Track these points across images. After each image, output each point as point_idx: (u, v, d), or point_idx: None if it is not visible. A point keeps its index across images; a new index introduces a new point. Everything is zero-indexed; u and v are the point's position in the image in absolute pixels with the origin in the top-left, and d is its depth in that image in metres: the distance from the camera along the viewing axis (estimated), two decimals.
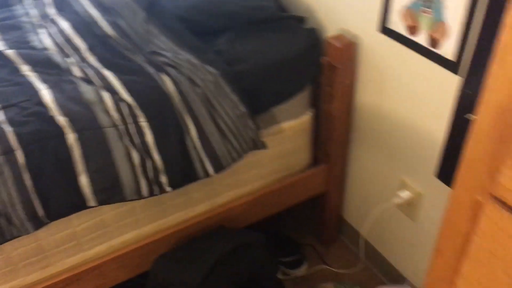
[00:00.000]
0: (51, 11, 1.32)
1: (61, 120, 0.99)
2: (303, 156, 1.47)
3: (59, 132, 0.98)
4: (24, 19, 1.32)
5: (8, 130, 0.95)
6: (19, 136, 0.95)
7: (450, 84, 1.05)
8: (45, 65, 1.12)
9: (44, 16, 1.31)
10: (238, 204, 1.36)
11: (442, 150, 1.13)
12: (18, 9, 1.37)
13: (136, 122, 1.06)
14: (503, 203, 0.47)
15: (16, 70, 1.12)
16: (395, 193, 1.34)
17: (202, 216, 1.31)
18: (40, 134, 0.97)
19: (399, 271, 1.49)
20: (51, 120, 0.98)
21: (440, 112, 1.10)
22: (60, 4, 1.34)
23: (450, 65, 1.03)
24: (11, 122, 0.97)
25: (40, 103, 1.01)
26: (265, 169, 1.40)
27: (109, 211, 1.15)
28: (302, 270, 1.61)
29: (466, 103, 1.02)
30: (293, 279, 1.59)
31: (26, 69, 1.11)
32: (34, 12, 1.35)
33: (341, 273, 1.61)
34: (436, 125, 1.13)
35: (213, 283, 1.09)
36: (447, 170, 1.14)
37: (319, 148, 1.50)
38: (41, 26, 1.28)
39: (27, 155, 0.96)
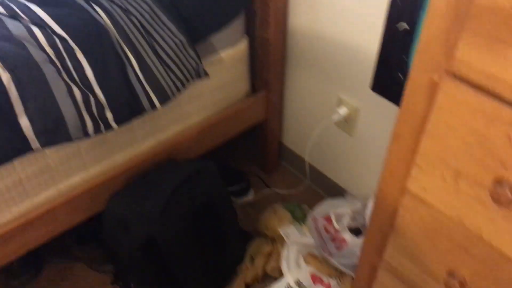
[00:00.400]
0: None
1: None
2: (242, 85, 1.49)
3: None
4: None
5: None
6: None
7: None
8: None
9: None
10: (183, 138, 1.36)
11: (376, 62, 1.20)
12: None
13: (73, 57, 1.01)
14: (458, 77, 0.52)
15: None
16: (332, 111, 1.41)
17: (149, 152, 1.30)
18: None
19: (340, 186, 1.59)
20: None
21: (372, 25, 1.16)
22: None
23: None
24: None
25: None
26: (206, 101, 1.40)
27: (53, 154, 1.11)
28: (249, 197, 1.67)
29: (396, 12, 1.08)
30: (241, 206, 1.65)
31: None
32: None
33: (286, 195, 1.69)
34: (369, 38, 1.18)
35: (172, 211, 1.11)
36: (381, 82, 1.22)
37: (257, 76, 1.52)
38: None
39: None
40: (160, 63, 1.13)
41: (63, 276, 1.42)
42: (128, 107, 1.11)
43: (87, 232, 1.38)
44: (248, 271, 1.37)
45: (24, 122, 0.98)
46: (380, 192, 0.74)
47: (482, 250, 0.62)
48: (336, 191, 1.60)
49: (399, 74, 1.14)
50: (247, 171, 1.73)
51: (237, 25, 1.36)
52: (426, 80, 0.56)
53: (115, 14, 1.06)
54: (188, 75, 1.19)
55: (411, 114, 0.61)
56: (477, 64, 0.48)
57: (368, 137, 1.37)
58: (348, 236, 1.35)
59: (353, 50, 1.25)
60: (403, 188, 0.68)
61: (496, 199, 0.54)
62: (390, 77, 1.17)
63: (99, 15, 1.04)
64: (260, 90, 1.54)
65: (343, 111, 1.37)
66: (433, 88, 0.56)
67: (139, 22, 1.09)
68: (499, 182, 0.53)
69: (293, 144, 1.73)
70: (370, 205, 1.34)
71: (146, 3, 1.10)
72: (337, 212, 1.40)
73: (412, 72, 0.57)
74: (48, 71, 0.98)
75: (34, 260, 1.43)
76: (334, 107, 1.42)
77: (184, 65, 1.17)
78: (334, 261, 1.30)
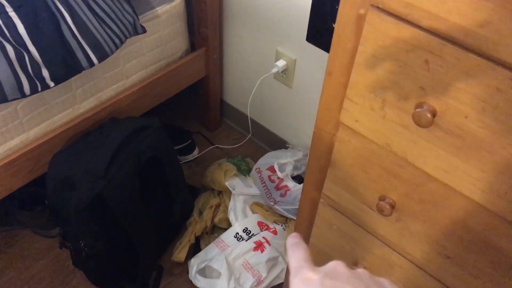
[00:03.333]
0: None
1: None
2: (181, 42, 1.49)
3: None
4: None
5: None
6: None
7: None
8: None
9: None
10: (124, 97, 1.36)
11: (310, 14, 1.24)
12: None
13: (3, 13, 0.97)
14: (381, 9, 0.57)
15: None
16: (272, 65, 1.45)
17: (90, 111, 1.29)
18: None
19: (282, 138, 1.65)
20: None
21: None
22: None
23: None
24: None
25: None
26: (145, 58, 1.39)
27: None
28: (194, 154, 1.70)
29: None
30: (187, 163, 1.67)
31: None
32: None
33: (230, 150, 1.73)
34: None
35: (117, 167, 1.11)
36: (315, 32, 1.26)
37: (195, 33, 1.53)
38: None
39: None
40: (96, 18, 1.11)
41: (9, 243, 1.40)
42: (64, 65, 1.09)
43: (30, 196, 1.36)
44: (197, 224, 1.41)
45: None
46: (317, 129, 0.79)
47: (408, 173, 0.68)
48: (278, 144, 1.65)
49: (332, 24, 1.19)
50: (191, 130, 1.75)
51: None
52: (353, 15, 0.60)
53: None
54: (125, 31, 1.18)
55: (341, 50, 0.65)
56: None
57: (306, 88, 1.43)
58: (291, 184, 1.42)
59: (288, 2, 1.28)
60: (337, 122, 0.74)
61: (418, 122, 0.60)
62: (323, 27, 1.22)
63: None
64: (199, 47, 1.54)
65: (281, 63, 1.41)
66: (360, 22, 0.60)
67: None
68: (420, 105, 0.59)
69: (234, 100, 1.76)
70: None
71: None
72: (280, 162, 1.46)
73: (340, 9, 0.61)
74: None
75: None
76: (272, 61, 1.46)
77: (121, 20, 1.16)
78: (279, 208, 1.37)
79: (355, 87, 0.66)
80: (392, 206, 0.74)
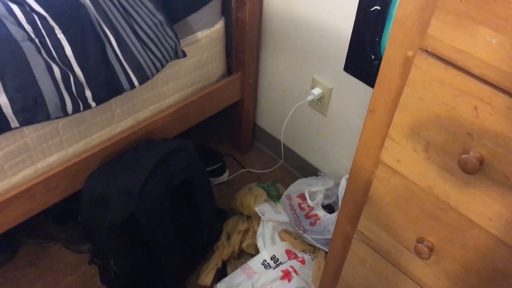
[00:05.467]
0: None
1: None
2: (218, 66, 1.51)
3: None
4: None
5: None
6: None
7: None
8: None
9: None
10: (160, 118, 1.38)
11: (349, 44, 1.24)
12: None
13: (52, 35, 1.01)
14: (430, 53, 0.56)
15: None
16: (307, 92, 1.45)
17: (127, 131, 1.31)
18: None
19: (313, 165, 1.64)
20: None
21: (346, 7, 1.19)
22: None
23: None
24: None
25: None
26: (183, 81, 1.42)
27: (32, 133, 1.11)
28: (225, 177, 1.70)
29: None
30: (217, 185, 1.68)
31: None
32: None
33: (261, 174, 1.73)
34: (343, 20, 1.22)
35: (151, 188, 1.12)
36: (353, 62, 1.26)
37: (232, 57, 1.54)
38: None
39: None
40: (139, 42, 1.14)
41: (40, 256, 1.43)
42: (107, 86, 1.11)
43: (64, 211, 1.38)
44: (224, 248, 1.41)
45: (3, 100, 0.97)
46: (355, 165, 0.78)
47: (450, 217, 0.67)
48: (310, 171, 1.64)
49: (371, 55, 1.19)
50: (222, 152, 1.76)
51: (214, 6, 1.37)
52: (400, 56, 0.60)
53: None
54: (166, 55, 1.20)
55: (385, 89, 0.65)
56: (448, 40, 0.53)
57: (340, 117, 1.42)
58: (321, 213, 1.40)
59: (327, 31, 1.29)
60: (377, 160, 0.73)
61: (464, 168, 0.58)
62: (362, 58, 1.22)
63: None
64: (236, 71, 1.56)
65: (317, 91, 1.41)
66: (407, 64, 0.60)
67: (118, 1, 1.09)
68: (466, 151, 0.58)
69: (267, 125, 1.77)
70: (343, 183, 1.39)
71: None
72: (311, 190, 1.45)
73: (387, 49, 0.61)
74: (27, 49, 0.97)
75: (8, 240, 1.42)
76: (308, 88, 1.46)
77: (163, 45, 1.18)
78: (308, 237, 1.35)
79: (398, 127, 0.65)
80: (431, 249, 0.72)
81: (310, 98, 1.43)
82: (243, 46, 1.48)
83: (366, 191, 0.79)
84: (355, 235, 0.89)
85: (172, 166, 1.18)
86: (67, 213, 1.39)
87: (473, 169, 0.57)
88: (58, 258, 1.43)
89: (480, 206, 0.61)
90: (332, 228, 1.34)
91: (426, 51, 0.56)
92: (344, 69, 1.30)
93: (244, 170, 1.75)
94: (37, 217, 1.24)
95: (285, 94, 1.58)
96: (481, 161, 0.56)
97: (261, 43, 1.54)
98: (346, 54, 1.27)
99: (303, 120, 1.56)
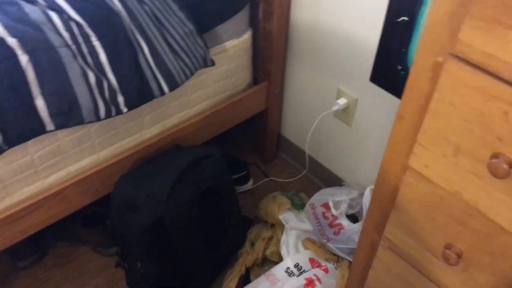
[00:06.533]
0: None
1: (11, 41, 0.95)
2: (245, 75, 1.53)
3: (11, 54, 0.95)
4: None
5: None
6: None
7: None
8: None
9: None
10: (188, 125, 1.41)
11: (376, 55, 1.25)
12: None
13: (88, 42, 1.05)
14: (460, 58, 0.57)
15: None
16: (332, 102, 1.46)
17: (156, 137, 1.34)
18: None
19: (337, 175, 1.64)
20: (1, 41, 0.94)
21: (373, 18, 1.21)
22: None
23: None
24: None
25: None
26: (210, 90, 1.44)
27: (65, 137, 1.15)
28: (249, 185, 1.72)
29: (397, 6, 1.13)
30: (241, 193, 1.69)
31: None
32: None
33: (284, 184, 1.74)
34: (370, 30, 1.24)
35: (179, 193, 1.15)
36: (380, 73, 1.27)
37: (259, 67, 1.57)
38: None
39: None
40: (170, 50, 1.17)
41: (68, 258, 1.46)
42: (138, 92, 1.15)
43: (92, 215, 1.42)
44: (248, 255, 1.42)
45: (40, 103, 1.01)
46: (383, 171, 0.79)
47: (479, 223, 0.67)
48: (333, 181, 1.65)
49: (398, 66, 1.20)
50: (246, 161, 1.78)
51: (242, 17, 1.41)
52: (430, 62, 0.61)
53: (129, 2, 1.10)
54: (196, 63, 1.23)
55: (415, 95, 0.66)
56: (478, 46, 0.54)
57: (366, 127, 1.43)
58: (345, 222, 1.40)
59: (353, 42, 1.31)
60: (405, 166, 0.74)
61: (493, 172, 0.59)
62: (389, 68, 1.23)
63: (113, 2, 1.08)
64: (262, 81, 1.58)
65: (342, 102, 1.43)
66: (437, 70, 0.61)
67: (151, 10, 1.13)
68: (496, 156, 0.58)
69: (291, 135, 1.78)
70: (367, 194, 1.39)
71: None
72: (335, 200, 1.45)
73: (417, 55, 0.62)
74: (64, 54, 1.01)
75: (39, 241, 1.46)
76: (333, 98, 1.47)
77: (193, 53, 1.21)
78: (331, 246, 1.35)
79: (427, 132, 0.66)
80: (459, 256, 0.72)
81: (335, 108, 1.44)
82: (270, 57, 1.50)
83: (393, 197, 0.80)
84: (381, 242, 0.89)
85: (200, 173, 1.20)
86: (96, 216, 1.42)
87: (503, 174, 0.57)
88: (86, 260, 1.46)
89: (510, 212, 0.61)
90: (356, 238, 1.33)
91: (457, 56, 0.57)
92: (370, 80, 1.31)
93: (268, 179, 1.76)
94: (67, 220, 1.27)
95: (310, 104, 1.60)
96: (511, 165, 0.57)
97: (287, 53, 1.56)
98: (372, 65, 1.28)
99: (328, 130, 1.57)
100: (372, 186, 1.39)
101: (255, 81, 1.60)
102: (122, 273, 1.40)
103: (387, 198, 0.81)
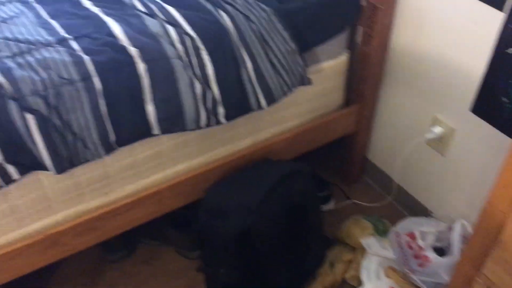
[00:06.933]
0: None
1: (132, 50, 1.04)
2: (337, 96, 1.55)
3: (131, 62, 1.04)
4: None
5: (86, 58, 1.01)
6: (96, 63, 1.01)
7: (494, 21, 1.12)
8: (106, 0, 1.16)
9: None
10: (278, 140, 1.44)
11: (480, 85, 1.21)
12: None
13: (198, 55, 1.11)
14: None
15: (78, 4, 1.16)
16: (425, 130, 1.43)
17: (248, 149, 1.39)
18: (114, 63, 1.02)
19: (424, 205, 1.59)
20: (123, 50, 1.03)
21: (480, 48, 1.18)
22: None
23: (496, 2, 1.10)
24: (86, 51, 1.02)
25: (111, 34, 1.06)
26: (302, 108, 1.47)
27: (167, 142, 1.22)
28: (330, 205, 1.71)
29: (508, 37, 1.09)
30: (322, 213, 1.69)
31: (88, 3, 1.15)
32: None
33: (366, 208, 1.72)
34: (475, 61, 1.20)
35: (269, 205, 1.18)
36: (484, 105, 1.23)
37: (352, 89, 1.57)
38: None
39: (103, 82, 1.01)
40: (271, 67, 1.21)
41: (154, 256, 1.54)
42: (238, 105, 1.20)
43: (181, 217, 1.48)
44: (327, 276, 1.41)
45: (150, 109, 1.09)
46: (489, 206, 0.76)
47: None
48: (419, 211, 1.60)
49: (504, 99, 1.15)
50: (329, 180, 1.78)
51: (341, 38, 1.42)
52: None
53: (238, 20, 1.16)
54: (294, 81, 1.27)
55: None
56: None
57: (462, 159, 1.38)
58: (432, 255, 1.35)
59: (455, 70, 1.27)
60: None
61: None
62: (493, 100, 1.18)
63: (224, 19, 1.15)
64: (354, 103, 1.58)
65: (438, 130, 1.39)
66: None
67: (258, 28, 1.18)
68: None
69: (378, 159, 1.76)
70: (458, 228, 1.34)
71: (265, 11, 1.19)
72: (422, 230, 1.41)
73: None
74: (176, 65, 1.09)
75: (129, 237, 1.55)
76: (428, 126, 1.44)
77: (292, 71, 1.25)
78: (415, 278, 1.31)
79: None
80: None
81: (429, 136, 1.40)
82: (365, 80, 1.50)
83: (497, 233, 0.77)
84: (477, 279, 0.85)
85: (290, 188, 1.22)
86: (183, 219, 1.49)
87: None
88: (170, 261, 1.53)
89: None
90: (442, 272, 1.28)
91: None
92: (471, 110, 1.27)
93: (350, 201, 1.75)
94: (156, 220, 1.34)
95: (402, 130, 1.57)
96: None
97: (384, 76, 1.55)
98: (474, 95, 1.24)
99: (419, 158, 1.54)
100: (464, 221, 1.34)
101: (347, 102, 1.61)
102: (202, 277, 1.44)
103: (491, 234, 0.78)
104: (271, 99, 1.23)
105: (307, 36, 1.29)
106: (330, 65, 1.44)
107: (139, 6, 1.15)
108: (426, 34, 1.32)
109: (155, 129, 1.13)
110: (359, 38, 1.46)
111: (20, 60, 0.98)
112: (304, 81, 1.30)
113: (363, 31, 1.42)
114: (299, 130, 1.47)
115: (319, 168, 1.85)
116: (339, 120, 1.56)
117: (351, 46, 1.50)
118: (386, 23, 1.37)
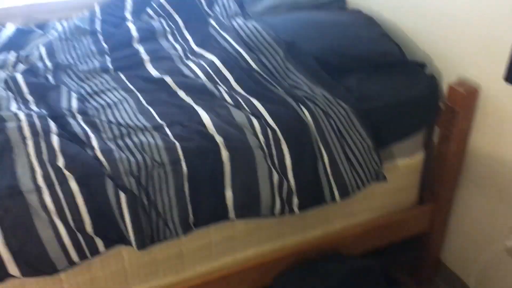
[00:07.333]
0: (195, 47, 1.50)
1: (218, 138, 1.13)
2: (412, 194, 1.53)
3: (217, 149, 1.12)
4: (171, 51, 1.51)
5: (177, 143, 1.10)
6: (185, 149, 1.10)
7: None
8: (199, 92, 1.28)
9: (191, 51, 1.48)
10: (349, 234, 1.43)
11: None
12: (164, 43, 1.57)
13: (278, 146, 1.18)
14: None
15: (174, 94, 1.28)
16: (505, 237, 1.36)
17: (316, 240, 1.39)
18: (201, 149, 1.11)
19: None
20: (211, 138, 1.12)
21: None
22: (202, 41, 1.52)
23: None
24: (176, 137, 1.12)
25: (201, 123, 1.16)
26: (375, 203, 1.47)
27: (240, 226, 1.27)
28: None
29: None
30: None
31: (182, 94, 1.28)
32: (178, 46, 1.54)
33: None
34: None
35: None
36: None
37: (427, 187, 1.56)
38: (188, 59, 1.46)
39: (189, 166, 1.09)
40: (347, 162, 1.25)
41: None
42: (312, 196, 1.23)
43: None
44: None
45: (229, 194, 1.15)
46: None
47: None
48: None
49: None
50: (400, 279, 1.70)
51: (418, 137, 1.44)
52: None
53: (317, 116, 1.22)
54: (369, 176, 1.28)
55: None
56: None
57: None
58: None
59: None
60: None
61: None
62: None
63: (305, 114, 1.22)
64: (427, 202, 1.56)
65: None
66: None
67: (336, 124, 1.24)
68: None
69: (453, 264, 1.68)
70: None
71: (344, 109, 1.25)
72: None
73: None
74: (257, 155, 1.15)
75: None
76: (508, 233, 1.38)
77: (367, 167, 1.27)
78: None
79: None
80: None
81: (509, 244, 1.34)
82: (441, 179, 1.48)
83: None
84: None
85: (358, 285, 1.20)
86: None
87: None
88: None
89: None
90: None
91: None
92: None
93: None
94: None
95: (479, 236, 1.50)
96: None
97: (460, 178, 1.53)
98: None
99: (498, 268, 1.45)
100: None
101: (421, 200, 1.58)
102: None
103: None
104: (345, 193, 1.25)
105: (384, 134, 1.32)
106: (406, 163, 1.45)
107: (227, 98, 1.25)
108: (505, 141, 1.31)
109: (231, 214, 1.18)
110: (436, 138, 1.47)
111: (120, 142, 1.10)
112: (379, 177, 1.32)
113: (440, 132, 1.43)
114: (370, 225, 1.46)
115: (389, 265, 1.79)
116: (413, 218, 1.54)
117: (427, 144, 1.51)
118: (464, 127, 1.37)
